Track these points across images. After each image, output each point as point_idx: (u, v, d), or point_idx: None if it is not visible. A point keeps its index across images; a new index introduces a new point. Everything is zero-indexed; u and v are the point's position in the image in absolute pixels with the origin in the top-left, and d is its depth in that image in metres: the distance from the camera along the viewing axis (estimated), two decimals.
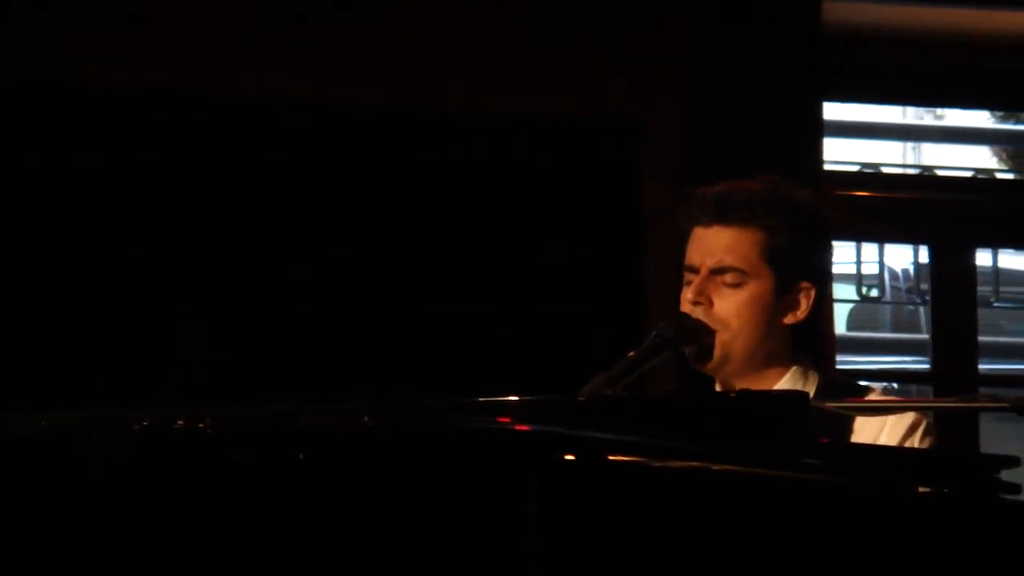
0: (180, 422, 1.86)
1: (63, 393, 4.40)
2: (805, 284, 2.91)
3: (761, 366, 2.90)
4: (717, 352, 2.87)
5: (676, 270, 3.01)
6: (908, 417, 2.87)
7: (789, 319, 2.91)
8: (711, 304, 2.87)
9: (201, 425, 1.86)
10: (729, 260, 2.88)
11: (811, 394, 2.84)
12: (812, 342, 2.98)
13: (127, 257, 4.63)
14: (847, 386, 3.05)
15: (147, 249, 4.63)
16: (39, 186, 4.61)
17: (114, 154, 4.64)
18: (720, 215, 2.88)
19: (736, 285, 2.88)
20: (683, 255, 2.95)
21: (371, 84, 4.79)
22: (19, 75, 4.59)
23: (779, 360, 2.92)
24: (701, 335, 2.88)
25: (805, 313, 2.91)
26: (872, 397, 2.96)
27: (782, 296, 2.90)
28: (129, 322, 4.60)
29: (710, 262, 2.88)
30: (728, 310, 2.87)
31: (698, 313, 2.87)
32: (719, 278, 2.88)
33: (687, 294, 2.89)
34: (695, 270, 2.90)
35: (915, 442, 2.86)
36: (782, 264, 2.88)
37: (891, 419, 2.86)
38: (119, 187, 4.65)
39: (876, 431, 2.86)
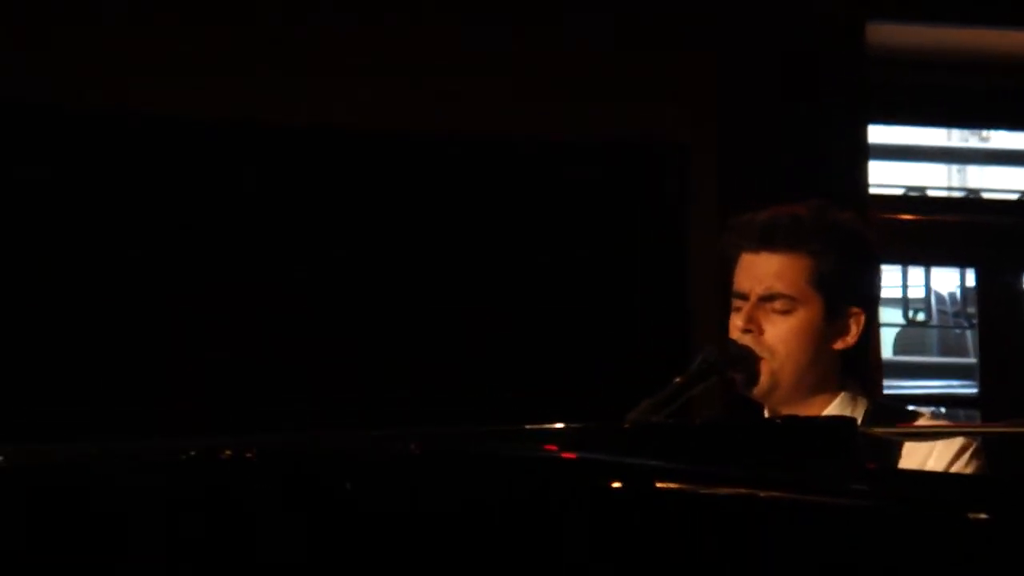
0: (227, 452, 1.86)
1: (66, 394, 4.43)
2: (855, 309, 2.90)
3: (810, 392, 2.88)
4: (766, 379, 2.86)
5: (719, 290, 3.00)
6: (957, 441, 2.85)
7: (839, 344, 2.89)
8: (761, 331, 2.86)
9: (248, 455, 1.86)
10: (778, 287, 2.86)
11: (860, 419, 2.83)
12: (860, 367, 2.97)
13: (127, 258, 4.65)
14: (896, 411, 3.03)
15: (148, 250, 4.65)
16: (46, 197, 4.64)
17: (117, 160, 4.67)
18: (768, 241, 2.87)
19: (786, 312, 2.86)
20: (728, 279, 2.94)
21: (415, 110, 4.81)
22: (25, 99, 4.62)
23: (828, 386, 2.90)
24: (747, 361, 2.87)
25: (855, 338, 2.90)
26: (921, 423, 2.95)
27: (832, 322, 2.88)
28: (129, 322, 4.62)
29: (759, 289, 2.87)
30: (778, 337, 2.85)
31: (748, 340, 2.86)
32: (768, 305, 2.87)
33: (737, 321, 2.88)
34: (744, 296, 2.88)
35: (962, 464, 2.84)
36: (831, 290, 2.87)
37: (940, 444, 2.84)
38: (121, 190, 4.67)
39: (925, 456, 2.84)
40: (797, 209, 2.91)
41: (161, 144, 4.70)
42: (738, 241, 2.91)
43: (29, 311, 4.58)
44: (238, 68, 4.73)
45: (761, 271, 2.87)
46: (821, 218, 2.90)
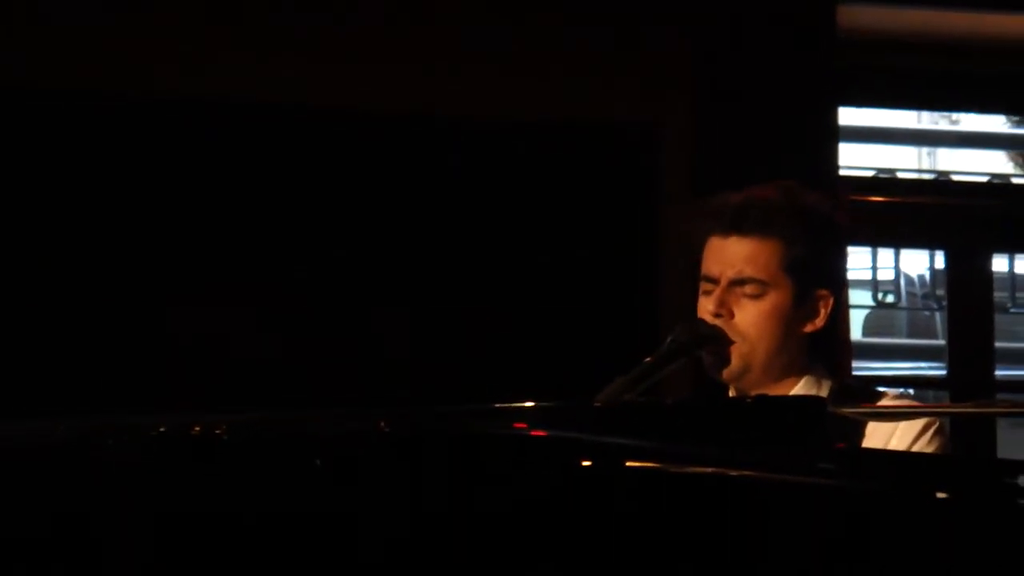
0: (196, 428, 1.86)
1: (67, 393, 4.41)
2: (823, 292, 2.91)
3: (779, 375, 2.89)
4: (737, 363, 2.87)
5: (690, 272, 3.00)
6: (919, 420, 2.87)
7: (808, 328, 2.91)
8: (732, 316, 2.87)
9: (217, 431, 1.86)
10: (749, 271, 2.87)
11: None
12: (826, 348, 2.98)
13: (128, 258, 4.63)
14: (860, 391, 3.05)
15: (148, 251, 4.64)
16: (43, 189, 4.62)
17: (118, 156, 4.66)
18: (738, 226, 2.87)
19: (756, 296, 2.87)
20: (696, 260, 2.94)
21: (389, 90, 4.80)
22: (22, 81, 4.60)
23: (795, 369, 2.91)
24: (716, 341, 2.88)
25: (824, 321, 2.91)
26: (885, 402, 2.96)
27: (801, 305, 2.89)
28: (129, 323, 4.61)
29: (730, 273, 2.87)
30: (748, 321, 2.86)
31: (719, 325, 2.86)
32: (739, 289, 2.87)
33: (707, 306, 2.88)
34: (714, 280, 2.89)
35: (924, 443, 2.86)
36: (800, 273, 2.88)
37: (903, 423, 2.86)
38: (122, 189, 4.66)
39: (888, 435, 2.86)
40: (767, 193, 2.91)
41: (159, 129, 4.69)
42: (707, 225, 2.91)
43: (19, 308, 4.57)
44: (244, 48, 4.72)
45: (731, 255, 2.87)
46: (792, 202, 2.90)
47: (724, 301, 2.87)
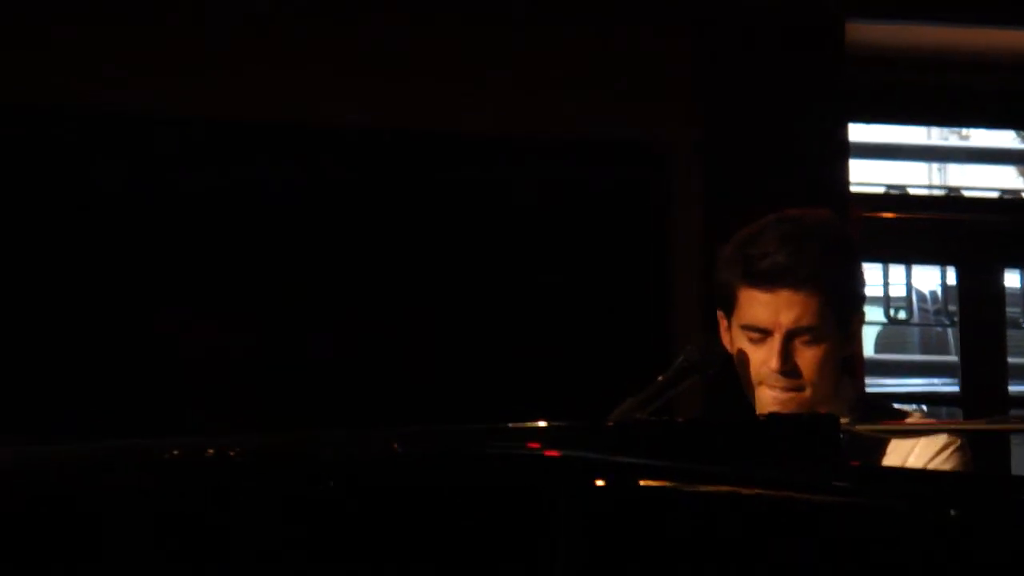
0: (209, 451, 1.86)
1: (76, 414, 4.42)
2: (858, 316, 2.95)
3: (827, 401, 2.90)
4: (804, 409, 2.86)
5: (701, 288, 3.00)
6: (939, 438, 2.87)
7: (848, 351, 2.93)
8: (796, 367, 2.87)
9: (231, 454, 1.86)
10: (806, 321, 2.87)
11: (848, 417, 2.84)
12: (849, 362, 3.00)
13: (130, 267, 4.64)
14: (884, 409, 3.05)
15: (154, 267, 4.66)
16: (62, 204, 4.64)
17: (131, 174, 4.68)
18: (785, 281, 2.86)
19: (813, 342, 2.88)
20: (717, 289, 2.93)
21: (392, 108, 4.81)
22: (24, 97, 4.63)
23: (834, 390, 2.92)
24: (728, 361, 2.89)
25: (858, 338, 2.94)
26: (909, 421, 2.97)
27: (843, 334, 2.91)
28: (132, 331, 4.62)
29: (786, 325, 2.86)
30: (811, 368, 2.88)
31: (784, 382, 2.86)
32: (796, 339, 2.88)
33: (772, 362, 2.86)
34: (764, 331, 2.88)
35: (941, 461, 2.86)
36: (841, 308, 2.90)
37: (922, 440, 2.86)
38: (127, 203, 4.67)
39: (906, 453, 2.86)
40: (798, 243, 2.88)
41: (159, 144, 4.71)
42: (748, 278, 2.89)
43: (19, 313, 4.59)
44: (233, 68, 4.74)
45: (784, 307, 2.86)
46: (826, 242, 2.89)
47: (788, 355, 2.87)
